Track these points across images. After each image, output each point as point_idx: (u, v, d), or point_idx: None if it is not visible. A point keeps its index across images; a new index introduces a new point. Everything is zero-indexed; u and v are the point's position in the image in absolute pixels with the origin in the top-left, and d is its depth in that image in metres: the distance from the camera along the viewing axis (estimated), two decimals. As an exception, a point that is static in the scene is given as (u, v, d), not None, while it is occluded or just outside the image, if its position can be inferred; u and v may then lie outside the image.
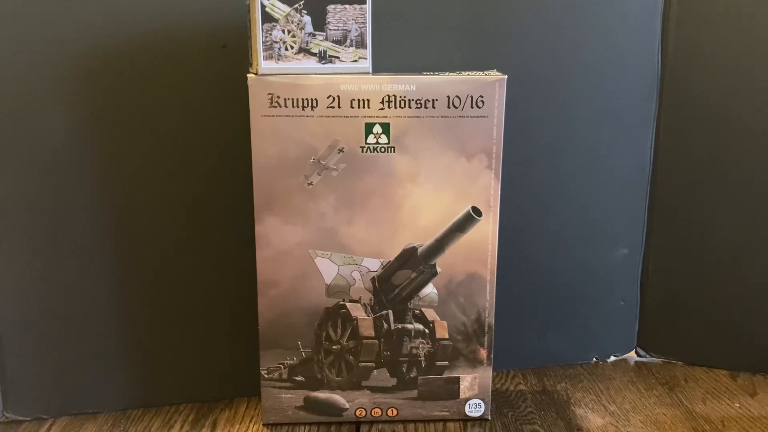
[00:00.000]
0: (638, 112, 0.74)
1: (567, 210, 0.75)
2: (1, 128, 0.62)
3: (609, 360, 0.80)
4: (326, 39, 0.58)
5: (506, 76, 0.60)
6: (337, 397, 0.66)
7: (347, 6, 0.58)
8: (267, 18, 0.57)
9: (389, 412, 0.66)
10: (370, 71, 0.60)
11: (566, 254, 0.76)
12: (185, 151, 0.66)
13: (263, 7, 0.56)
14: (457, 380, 0.66)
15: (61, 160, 0.63)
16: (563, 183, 0.74)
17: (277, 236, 0.62)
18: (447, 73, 0.61)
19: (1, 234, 0.64)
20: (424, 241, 0.62)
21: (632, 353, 0.81)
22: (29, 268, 0.65)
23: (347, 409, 0.66)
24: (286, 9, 0.57)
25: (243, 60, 0.61)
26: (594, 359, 0.80)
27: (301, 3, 0.57)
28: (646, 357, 0.80)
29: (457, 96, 0.60)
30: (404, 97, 0.59)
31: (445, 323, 0.65)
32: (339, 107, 0.59)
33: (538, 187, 0.73)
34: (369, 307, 0.64)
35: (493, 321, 0.65)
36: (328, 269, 0.63)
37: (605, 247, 0.77)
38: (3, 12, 0.60)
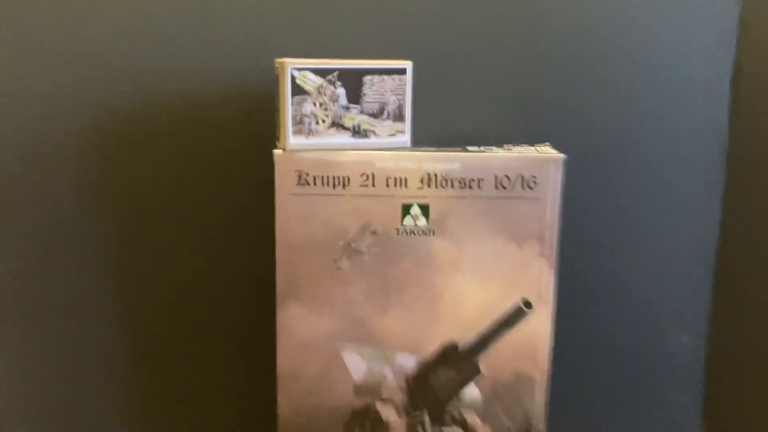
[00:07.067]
0: (704, 185, 0.67)
1: (625, 297, 0.67)
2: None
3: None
4: (361, 112, 0.53)
5: (564, 156, 0.53)
6: None
7: (385, 77, 0.52)
8: (297, 90, 0.51)
9: None
10: (409, 146, 0.54)
11: (625, 347, 0.68)
12: (205, 224, 0.62)
13: (293, 78, 0.51)
14: (500, 493, 0.58)
15: (71, 233, 0.60)
16: (625, 266, 0.67)
17: (300, 326, 0.55)
18: (495, 149, 0.55)
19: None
20: (466, 336, 0.55)
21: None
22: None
23: None
24: (319, 81, 0.51)
25: (269, 129, 0.56)
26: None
27: (335, 74, 0.51)
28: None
29: (506, 175, 0.53)
30: (446, 175, 0.53)
31: (488, 428, 0.57)
32: (373, 186, 0.53)
33: (594, 274, 0.66)
34: (402, 409, 0.57)
35: (544, 428, 0.57)
36: (357, 365, 0.56)
37: (665, 334, 0.69)
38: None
